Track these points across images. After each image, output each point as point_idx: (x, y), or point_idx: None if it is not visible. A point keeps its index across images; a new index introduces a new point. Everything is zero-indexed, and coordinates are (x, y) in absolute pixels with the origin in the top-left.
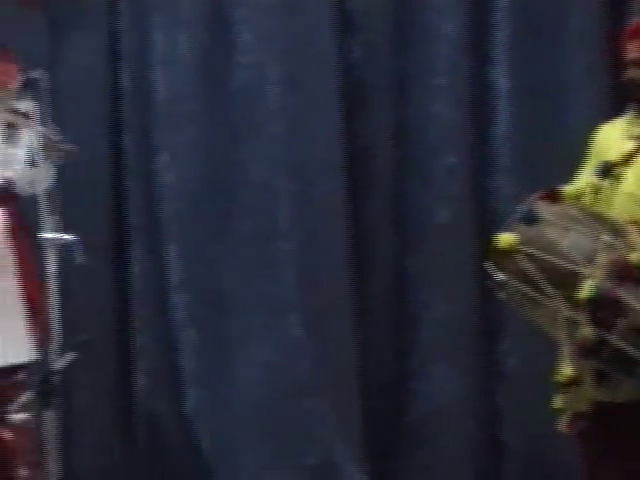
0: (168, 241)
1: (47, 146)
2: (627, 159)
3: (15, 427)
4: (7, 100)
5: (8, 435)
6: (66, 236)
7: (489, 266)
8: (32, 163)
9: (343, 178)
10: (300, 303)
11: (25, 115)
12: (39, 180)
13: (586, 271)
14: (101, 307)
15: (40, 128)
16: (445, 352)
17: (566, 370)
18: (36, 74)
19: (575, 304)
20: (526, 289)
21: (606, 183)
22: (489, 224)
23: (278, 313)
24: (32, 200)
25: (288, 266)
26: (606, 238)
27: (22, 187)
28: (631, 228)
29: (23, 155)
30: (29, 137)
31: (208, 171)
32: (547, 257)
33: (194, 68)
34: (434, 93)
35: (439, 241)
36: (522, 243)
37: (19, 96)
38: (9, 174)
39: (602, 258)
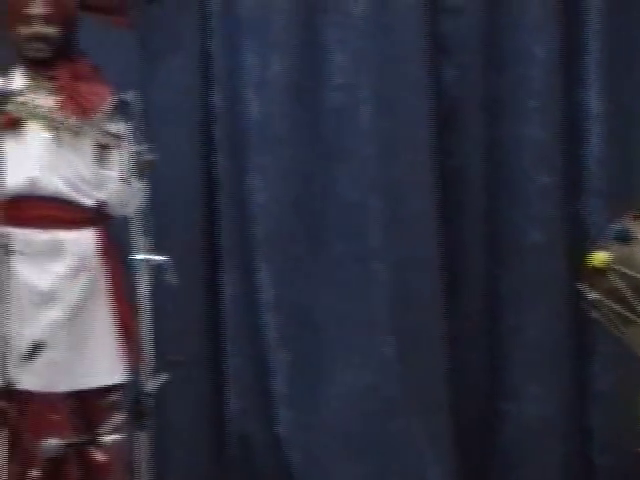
0: (260, 262)
1: (139, 163)
2: None
3: (107, 448)
4: (99, 122)
5: (101, 456)
6: (158, 257)
7: (582, 285)
8: (124, 183)
9: (435, 198)
10: (391, 323)
11: (117, 136)
12: (131, 201)
13: None
14: (193, 328)
15: (131, 147)
16: (537, 372)
17: None
18: (128, 96)
19: None
20: (618, 308)
21: None
22: (581, 245)
23: (369, 333)
24: (124, 221)
25: (379, 286)
26: None
27: (114, 208)
28: None
29: (115, 176)
30: (121, 158)
31: (300, 192)
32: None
33: (286, 89)
34: (526, 114)
35: (531, 261)
36: (615, 261)
37: (111, 118)
38: (101, 195)
39: None
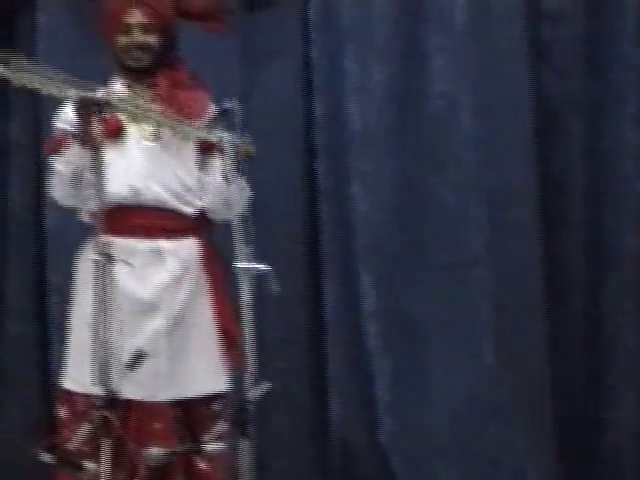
0: (361, 269)
1: (239, 153)
2: None
3: (211, 457)
4: (200, 129)
5: (204, 465)
6: (260, 266)
7: None
8: (226, 182)
9: (536, 205)
10: (493, 330)
11: (218, 143)
12: (233, 205)
13: None
14: (295, 336)
15: (232, 138)
16: (637, 379)
17: None
18: (229, 104)
19: None
20: None
21: None
22: None
23: (471, 340)
24: (226, 230)
25: (481, 293)
26: None
27: (216, 215)
28: None
29: (217, 182)
30: (222, 164)
31: (401, 199)
32: None
33: (387, 97)
34: (626, 121)
35: (633, 268)
36: None
37: (212, 126)
38: (203, 203)
39: None
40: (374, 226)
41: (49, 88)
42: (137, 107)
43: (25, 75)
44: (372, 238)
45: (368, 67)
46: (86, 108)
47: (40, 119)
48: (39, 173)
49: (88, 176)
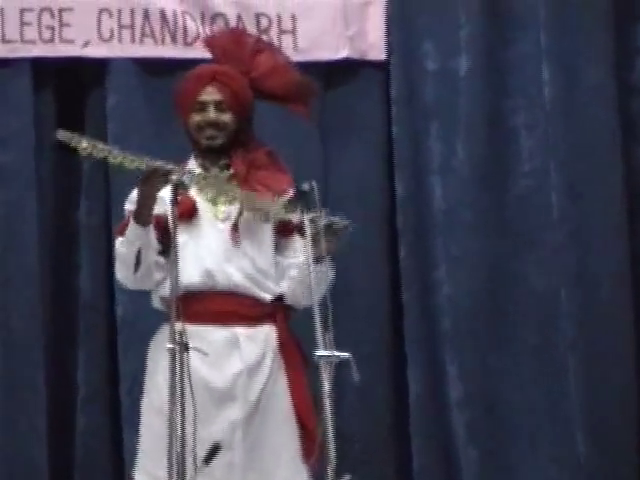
0: (446, 355)
1: (332, 229)
2: None
3: None
4: (278, 212)
5: None
6: (341, 353)
7: None
8: (306, 274)
9: (629, 287)
10: (583, 419)
11: (297, 225)
12: (313, 293)
13: None
14: (378, 426)
15: (319, 215)
16: None
17: None
18: (307, 185)
19: None
20: None
21: None
22: None
23: (560, 429)
24: (305, 315)
25: (572, 380)
26: None
27: (295, 301)
28: None
29: (297, 266)
30: (301, 247)
31: (487, 282)
32: None
33: (472, 176)
34: None
35: None
36: None
37: (289, 209)
38: (281, 288)
39: None
40: (459, 310)
41: (117, 157)
42: (212, 181)
43: (93, 144)
44: (457, 322)
45: (452, 144)
46: (154, 179)
47: (110, 201)
48: (109, 258)
49: (152, 258)
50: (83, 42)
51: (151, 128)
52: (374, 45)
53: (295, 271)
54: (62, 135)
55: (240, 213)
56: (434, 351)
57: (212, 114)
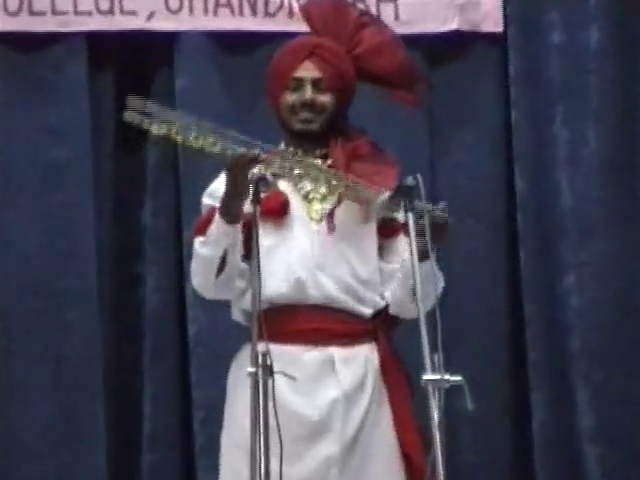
0: (576, 379)
1: (434, 224)
2: None
3: None
4: (382, 207)
5: None
6: (452, 377)
7: None
8: (413, 277)
9: None
10: None
11: (402, 225)
12: (423, 300)
13: None
14: (496, 460)
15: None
16: None
17: None
18: (411, 180)
19: None
20: None
21: None
22: None
23: None
24: (411, 331)
25: None
26: None
27: (401, 310)
28: None
29: (403, 270)
30: (410, 246)
31: (625, 293)
32: None
33: (605, 168)
34: None
35: None
36: None
37: (391, 204)
38: (385, 296)
39: None
40: (590, 326)
41: (197, 139)
42: (307, 169)
43: (168, 124)
44: (588, 340)
45: (582, 131)
46: (241, 169)
47: (180, 199)
48: (180, 267)
49: (237, 263)
50: (147, 14)
51: (229, 115)
52: (489, 15)
53: (401, 275)
54: (130, 116)
55: (339, 201)
56: (561, 374)
57: (309, 93)
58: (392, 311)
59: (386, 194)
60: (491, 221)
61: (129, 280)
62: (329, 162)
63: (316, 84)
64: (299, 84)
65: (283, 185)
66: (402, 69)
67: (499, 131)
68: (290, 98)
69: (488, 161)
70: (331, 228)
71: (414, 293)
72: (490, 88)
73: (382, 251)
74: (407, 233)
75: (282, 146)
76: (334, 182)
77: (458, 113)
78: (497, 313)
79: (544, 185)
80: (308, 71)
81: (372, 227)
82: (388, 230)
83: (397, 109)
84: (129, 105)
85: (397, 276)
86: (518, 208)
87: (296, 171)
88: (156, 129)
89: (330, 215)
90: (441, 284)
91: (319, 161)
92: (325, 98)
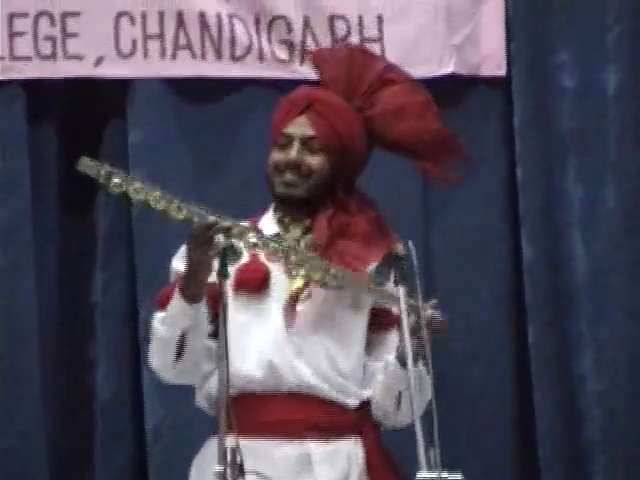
0: (595, 473)
1: (427, 326)
2: None
3: None
4: (370, 282)
5: None
6: (451, 475)
7: None
8: (400, 381)
9: None
10: None
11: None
12: (410, 409)
13: None
14: None
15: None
16: None
17: None
18: (402, 247)
19: None
20: None
21: None
22: None
23: None
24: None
25: None
26: None
27: (384, 419)
28: None
29: (384, 366)
30: (399, 343)
31: None
32: None
33: (624, 229)
34: None
35: None
36: None
37: (379, 280)
38: (370, 392)
39: None
40: (611, 413)
41: (159, 201)
42: (283, 245)
43: (128, 179)
44: (609, 430)
45: (599, 188)
46: (208, 240)
47: (135, 272)
48: (135, 349)
49: (199, 346)
50: (95, 58)
51: (189, 176)
52: (490, 56)
53: (381, 375)
54: (85, 165)
55: (305, 284)
56: (577, 467)
57: (294, 153)
58: (374, 416)
59: (373, 265)
60: (494, 293)
61: (77, 364)
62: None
63: (307, 143)
64: (288, 141)
65: (265, 255)
66: (431, 140)
67: (503, 189)
68: (276, 156)
69: (490, 223)
70: (289, 323)
71: (398, 402)
72: (492, 139)
73: (370, 345)
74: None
75: (270, 212)
76: (310, 266)
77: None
78: (505, 401)
79: (555, 251)
80: (299, 127)
81: (362, 317)
82: (379, 322)
83: (387, 160)
84: (80, 167)
85: (377, 379)
86: (525, 277)
87: (271, 245)
88: (116, 187)
89: (292, 305)
90: (429, 391)
91: (303, 239)
92: (315, 160)
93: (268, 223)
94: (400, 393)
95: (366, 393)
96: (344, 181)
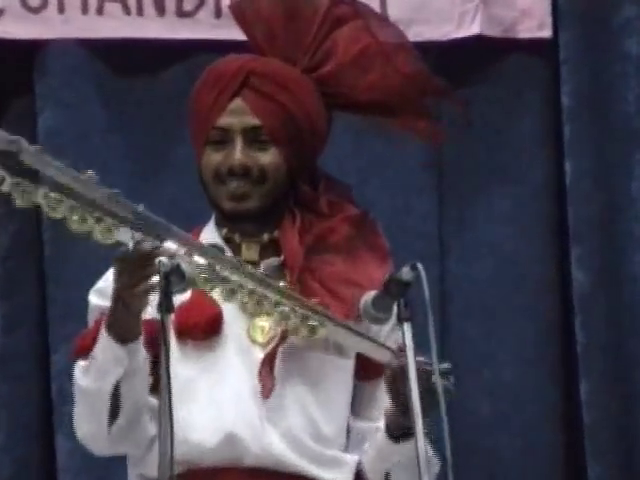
0: None
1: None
2: None
3: None
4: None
5: None
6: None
7: None
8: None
9: None
10: None
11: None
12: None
13: None
14: None
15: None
16: None
17: None
18: (409, 272)
19: None
20: None
21: None
22: None
23: None
24: None
25: None
26: None
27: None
28: None
29: (369, 441)
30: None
31: None
32: None
33: None
34: None
35: None
36: None
37: (374, 312)
38: (359, 461)
39: None
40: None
41: (75, 210)
42: (242, 275)
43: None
44: None
45: None
46: (143, 261)
47: (46, 307)
48: (45, 406)
49: (139, 398)
50: None
51: (122, 173)
52: (529, 13)
53: (372, 444)
54: None
55: (283, 335)
56: None
57: (238, 154)
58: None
59: (370, 295)
60: (538, 329)
61: None
62: (281, 259)
63: (251, 135)
64: (225, 136)
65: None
66: (407, 86)
67: (545, 192)
68: (213, 159)
69: (529, 240)
70: (267, 387)
71: None
72: (531, 126)
73: (356, 399)
74: (394, 378)
75: (210, 225)
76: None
77: (481, 166)
78: (553, 462)
79: (614, 275)
80: (237, 115)
81: (347, 363)
82: (367, 368)
83: (393, 155)
84: None
85: (365, 449)
86: (576, 309)
87: (224, 274)
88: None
89: (269, 361)
90: (436, 467)
91: (271, 261)
92: (267, 158)
93: (210, 241)
94: (388, 474)
95: (352, 460)
96: (307, 172)
